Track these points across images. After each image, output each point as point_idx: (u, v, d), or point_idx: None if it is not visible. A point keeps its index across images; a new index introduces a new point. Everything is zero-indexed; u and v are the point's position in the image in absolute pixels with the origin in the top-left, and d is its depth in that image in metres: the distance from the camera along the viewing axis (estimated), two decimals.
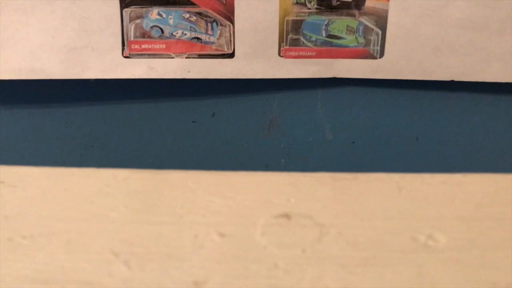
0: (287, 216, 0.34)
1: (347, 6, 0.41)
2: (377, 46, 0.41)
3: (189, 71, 0.42)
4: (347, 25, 0.41)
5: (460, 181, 0.37)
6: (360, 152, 0.45)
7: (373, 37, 0.41)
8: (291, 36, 0.41)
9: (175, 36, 0.41)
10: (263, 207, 0.35)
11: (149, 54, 0.42)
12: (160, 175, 0.38)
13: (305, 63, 0.42)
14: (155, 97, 0.45)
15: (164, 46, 0.42)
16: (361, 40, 0.41)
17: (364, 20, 0.41)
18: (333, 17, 0.41)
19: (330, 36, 0.41)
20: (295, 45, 0.42)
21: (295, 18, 0.41)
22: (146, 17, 0.41)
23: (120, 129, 0.45)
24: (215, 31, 0.41)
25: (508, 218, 0.34)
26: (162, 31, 0.41)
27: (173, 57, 0.42)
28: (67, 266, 0.30)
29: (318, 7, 0.41)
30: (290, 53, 0.42)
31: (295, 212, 0.35)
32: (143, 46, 0.42)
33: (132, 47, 0.42)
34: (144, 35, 0.41)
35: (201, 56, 0.42)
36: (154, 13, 0.41)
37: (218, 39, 0.42)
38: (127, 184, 0.37)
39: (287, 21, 0.41)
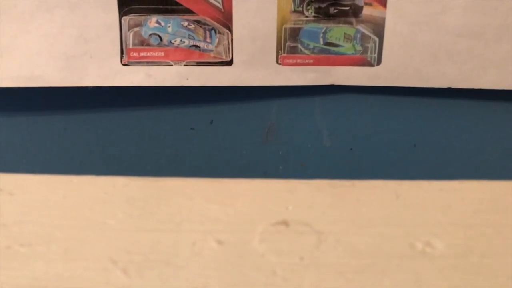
0: (285, 223, 0.34)
1: (344, 14, 0.41)
2: (375, 53, 0.42)
3: (187, 79, 0.43)
4: (345, 33, 0.41)
5: (457, 188, 0.38)
6: (358, 159, 0.45)
7: (370, 45, 0.41)
8: (289, 44, 0.42)
9: (173, 44, 0.42)
10: (261, 214, 0.35)
11: (147, 62, 0.42)
12: (158, 182, 0.38)
13: (303, 71, 0.42)
14: (153, 104, 0.45)
15: (162, 53, 0.42)
16: (359, 47, 0.42)
17: (362, 28, 0.41)
18: (331, 25, 0.41)
19: (328, 43, 0.42)
20: (293, 53, 0.42)
21: (293, 26, 0.41)
22: (145, 25, 0.41)
23: (119, 136, 0.45)
24: (213, 39, 0.42)
25: (506, 224, 0.34)
26: (161, 39, 0.42)
27: (172, 65, 0.42)
28: (66, 274, 0.30)
29: (316, 15, 0.41)
30: (288, 60, 0.42)
31: (293, 219, 0.35)
32: (141, 54, 0.42)
33: (131, 55, 0.42)
34: (143, 43, 0.42)
35: (199, 63, 0.42)
36: (152, 21, 0.41)
37: (216, 46, 0.42)
38: (126, 192, 0.37)
39: (285, 29, 0.41)
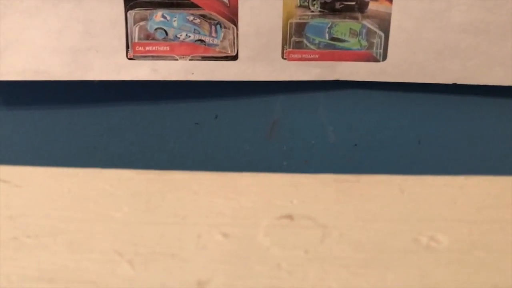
0: (290, 217, 0.34)
1: (350, 9, 0.41)
2: (380, 49, 0.42)
3: (192, 73, 0.43)
4: (350, 28, 0.41)
5: (462, 184, 0.38)
6: (362, 154, 0.45)
7: (376, 40, 0.41)
8: (294, 39, 0.42)
9: (179, 38, 0.42)
10: (266, 208, 0.35)
11: (153, 56, 0.42)
12: (163, 176, 0.38)
13: (308, 66, 0.42)
14: (158, 99, 0.45)
15: (168, 48, 0.42)
16: (364, 43, 0.42)
17: (367, 23, 0.41)
18: (336, 20, 0.41)
19: (333, 39, 0.42)
20: (298, 48, 0.42)
21: (298, 21, 0.41)
22: (151, 19, 0.41)
23: (124, 130, 0.45)
24: (218, 34, 0.42)
25: (510, 220, 0.34)
26: (166, 33, 0.42)
27: (177, 59, 0.42)
28: (71, 266, 0.30)
29: (321, 10, 0.41)
30: (293, 55, 0.42)
31: (298, 214, 0.35)
32: (147, 48, 0.42)
33: (136, 49, 0.42)
34: (148, 37, 0.42)
35: (204, 58, 0.42)
36: (158, 15, 0.41)
37: (221, 41, 0.42)
38: (131, 185, 0.37)
39: (291, 23, 0.41)
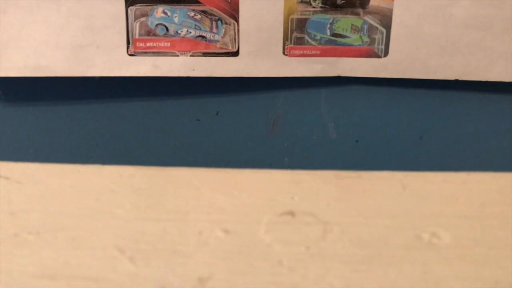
0: (291, 213, 0.34)
1: (351, 5, 0.41)
2: (382, 45, 0.42)
3: (193, 69, 0.43)
4: (352, 24, 0.41)
5: (464, 180, 0.38)
6: (364, 151, 0.45)
7: (377, 36, 0.41)
8: (296, 35, 0.42)
9: (180, 34, 0.42)
10: (268, 204, 0.35)
11: (154, 52, 0.42)
12: (164, 172, 0.38)
13: (309, 62, 0.42)
14: (159, 95, 0.45)
15: (169, 44, 0.42)
16: (366, 39, 0.41)
17: (369, 19, 0.41)
18: (338, 16, 0.41)
19: (335, 34, 0.42)
20: (299, 44, 0.42)
21: (299, 16, 0.41)
22: (151, 15, 0.41)
23: (125, 126, 0.45)
24: (219, 30, 0.42)
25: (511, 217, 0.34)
26: (167, 29, 0.42)
27: (178, 55, 0.42)
28: (73, 262, 0.30)
29: (323, 5, 0.41)
30: (294, 51, 0.42)
31: (299, 210, 0.35)
32: (148, 44, 0.42)
33: (137, 45, 0.42)
34: (149, 33, 0.42)
35: (205, 54, 0.42)
36: (159, 11, 0.41)
37: (222, 37, 0.42)
38: (132, 181, 0.37)
39: (292, 19, 0.41)
